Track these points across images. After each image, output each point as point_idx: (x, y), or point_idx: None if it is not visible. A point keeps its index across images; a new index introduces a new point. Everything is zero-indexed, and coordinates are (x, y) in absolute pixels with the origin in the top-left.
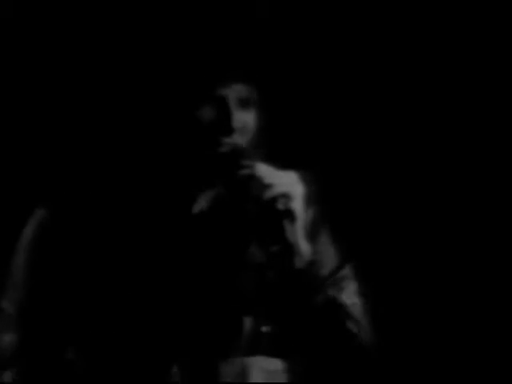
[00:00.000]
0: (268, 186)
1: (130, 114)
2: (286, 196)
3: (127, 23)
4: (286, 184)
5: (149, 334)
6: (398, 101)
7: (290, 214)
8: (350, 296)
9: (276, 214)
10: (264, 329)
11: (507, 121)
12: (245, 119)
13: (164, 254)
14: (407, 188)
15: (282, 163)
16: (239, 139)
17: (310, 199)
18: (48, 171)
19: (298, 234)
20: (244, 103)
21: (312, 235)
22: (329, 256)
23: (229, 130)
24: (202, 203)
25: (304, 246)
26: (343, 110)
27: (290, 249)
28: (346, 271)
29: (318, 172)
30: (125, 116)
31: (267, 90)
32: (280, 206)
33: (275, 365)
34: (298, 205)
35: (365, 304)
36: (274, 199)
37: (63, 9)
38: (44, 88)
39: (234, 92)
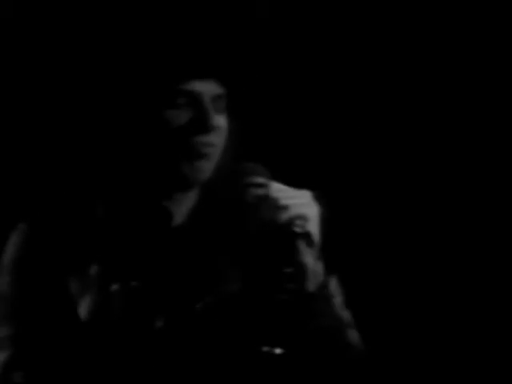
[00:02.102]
0: (284, 208)
1: (104, 126)
2: (302, 218)
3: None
4: (302, 205)
5: (134, 355)
6: (379, 119)
7: (307, 237)
8: (338, 308)
9: (293, 236)
10: (277, 351)
11: (506, 121)
12: (218, 119)
13: (146, 269)
14: (391, 200)
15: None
16: (216, 139)
17: None
18: (29, 186)
19: (312, 255)
20: (217, 102)
21: None
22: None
23: (206, 129)
24: (179, 215)
25: (318, 268)
26: (327, 126)
27: (303, 272)
28: (331, 284)
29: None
30: (100, 129)
31: (249, 99)
32: (297, 228)
33: None
34: (314, 226)
35: (351, 315)
36: (291, 221)
37: (63, 9)
38: (43, 89)
39: (209, 89)
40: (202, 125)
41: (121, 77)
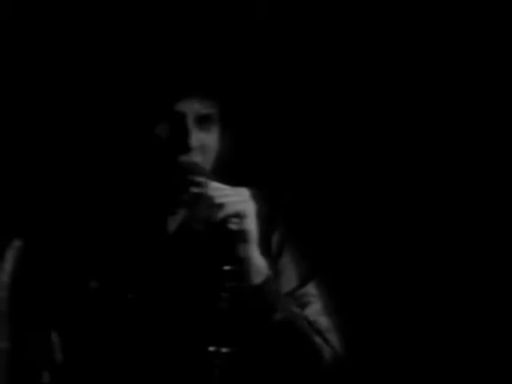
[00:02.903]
0: (219, 206)
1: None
2: (238, 215)
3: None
4: (238, 203)
5: (131, 345)
6: (377, 120)
7: (243, 234)
8: (313, 313)
9: (229, 234)
10: (223, 350)
11: (506, 121)
12: (203, 138)
13: (136, 274)
14: (376, 202)
15: (244, 180)
16: (198, 158)
17: (276, 218)
18: (23, 202)
19: (252, 251)
20: (203, 121)
21: (277, 254)
22: (292, 275)
23: (186, 149)
24: (173, 223)
25: (260, 262)
26: (309, 124)
27: (244, 267)
28: (310, 288)
29: (283, 189)
30: (92, 141)
31: (231, 106)
32: (233, 226)
33: None
34: (250, 223)
35: (332, 320)
36: (226, 219)
37: (63, 9)
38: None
39: (192, 109)
40: (182, 144)
41: (112, 91)
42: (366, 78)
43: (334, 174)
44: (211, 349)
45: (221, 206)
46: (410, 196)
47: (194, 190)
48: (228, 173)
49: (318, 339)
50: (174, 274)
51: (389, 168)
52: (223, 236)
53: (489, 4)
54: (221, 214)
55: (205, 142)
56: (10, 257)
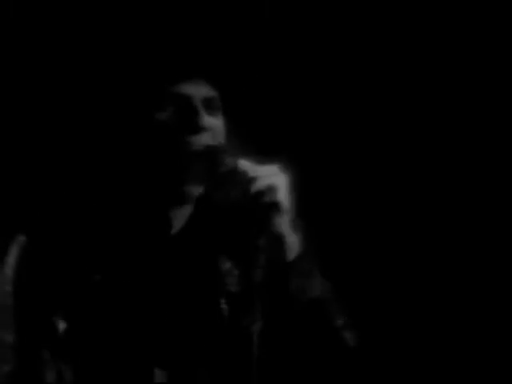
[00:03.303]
0: (253, 179)
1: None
2: (271, 188)
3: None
4: (270, 176)
5: (133, 342)
6: (377, 120)
7: (277, 206)
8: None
9: (263, 206)
10: (256, 326)
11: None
12: (211, 121)
13: (145, 272)
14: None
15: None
16: (209, 140)
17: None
18: (27, 196)
19: (285, 225)
20: (209, 105)
21: None
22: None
23: (197, 129)
24: (177, 224)
25: (293, 238)
26: (326, 125)
27: (278, 241)
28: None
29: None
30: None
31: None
32: (267, 198)
33: None
34: (283, 196)
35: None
36: (261, 192)
37: (63, 9)
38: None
39: (199, 92)
40: (193, 125)
41: (113, 80)
42: (364, 77)
43: (332, 167)
44: (245, 322)
45: (254, 179)
46: (404, 183)
47: (227, 166)
48: None
49: (343, 321)
50: (176, 272)
51: (388, 159)
52: (257, 210)
53: (489, 4)
54: (254, 187)
55: (212, 126)
56: (15, 251)
